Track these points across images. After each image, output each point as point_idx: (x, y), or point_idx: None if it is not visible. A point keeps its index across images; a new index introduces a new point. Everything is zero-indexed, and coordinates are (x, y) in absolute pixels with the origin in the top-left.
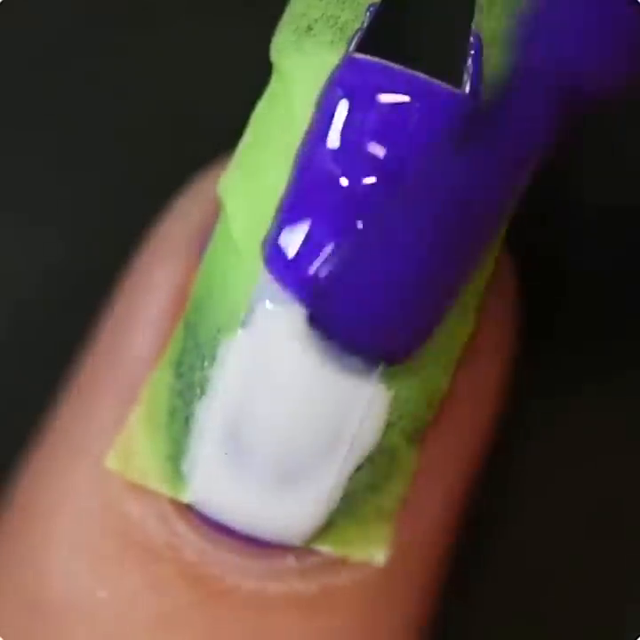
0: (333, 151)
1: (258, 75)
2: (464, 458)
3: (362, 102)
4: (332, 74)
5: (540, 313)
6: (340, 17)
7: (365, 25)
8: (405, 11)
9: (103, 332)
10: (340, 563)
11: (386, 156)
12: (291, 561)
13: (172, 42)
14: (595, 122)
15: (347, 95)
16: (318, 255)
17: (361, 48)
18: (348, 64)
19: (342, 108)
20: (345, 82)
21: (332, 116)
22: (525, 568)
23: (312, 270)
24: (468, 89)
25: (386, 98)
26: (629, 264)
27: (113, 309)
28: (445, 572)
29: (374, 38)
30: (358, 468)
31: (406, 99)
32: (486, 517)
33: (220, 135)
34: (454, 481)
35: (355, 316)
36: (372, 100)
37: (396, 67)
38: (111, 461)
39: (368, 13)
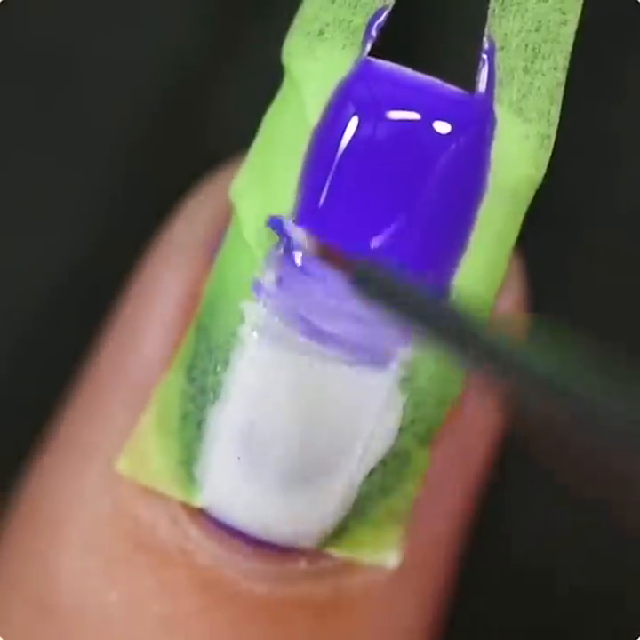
0: (344, 164)
1: (269, 78)
2: (474, 458)
3: (373, 119)
4: (344, 82)
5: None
6: (351, 20)
7: (378, 28)
8: (418, 13)
9: (112, 335)
10: (352, 565)
11: (397, 170)
12: (303, 564)
13: (184, 44)
14: (598, 127)
15: (358, 111)
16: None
17: (373, 51)
18: (359, 72)
19: (353, 125)
20: (356, 95)
21: (343, 130)
22: (528, 568)
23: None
24: (480, 93)
25: (396, 114)
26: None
27: (122, 312)
28: (455, 573)
29: (387, 41)
30: (370, 471)
31: (416, 116)
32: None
33: (230, 138)
34: (465, 481)
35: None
36: (383, 117)
37: (408, 72)
38: (122, 465)
39: (380, 16)
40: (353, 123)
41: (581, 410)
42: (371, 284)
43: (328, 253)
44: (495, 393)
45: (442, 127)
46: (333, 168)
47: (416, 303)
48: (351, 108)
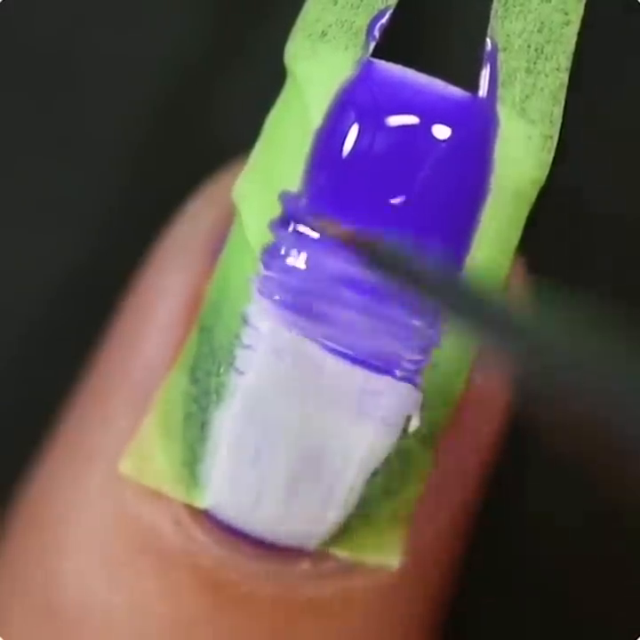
0: (347, 167)
1: (272, 79)
2: (477, 458)
3: (375, 122)
4: (346, 85)
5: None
6: (354, 22)
7: (380, 29)
8: (420, 14)
9: (115, 337)
10: (355, 567)
11: (399, 172)
12: (306, 566)
13: (185, 44)
14: (600, 129)
15: (360, 114)
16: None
17: (376, 51)
18: (362, 74)
19: (355, 128)
20: (358, 98)
21: (346, 134)
22: (529, 569)
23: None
24: (483, 94)
25: (398, 117)
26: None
27: (125, 314)
28: (457, 574)
29: (389, 41)
30: (373, 473)
31: (418, 118)
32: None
33: (233, 139)
34: (467, 482)
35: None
36: (386, 120)
37: (410, 73)
38: (126, 466)
39: (383, 17)
40: (355, 126)
41: (590, 377)
42: (385, 260)
43: (340, 232)
44: (503, 367)
45: (444, 129)
46: (336, 170)
47: (429, 277)
48: (353, 112)
